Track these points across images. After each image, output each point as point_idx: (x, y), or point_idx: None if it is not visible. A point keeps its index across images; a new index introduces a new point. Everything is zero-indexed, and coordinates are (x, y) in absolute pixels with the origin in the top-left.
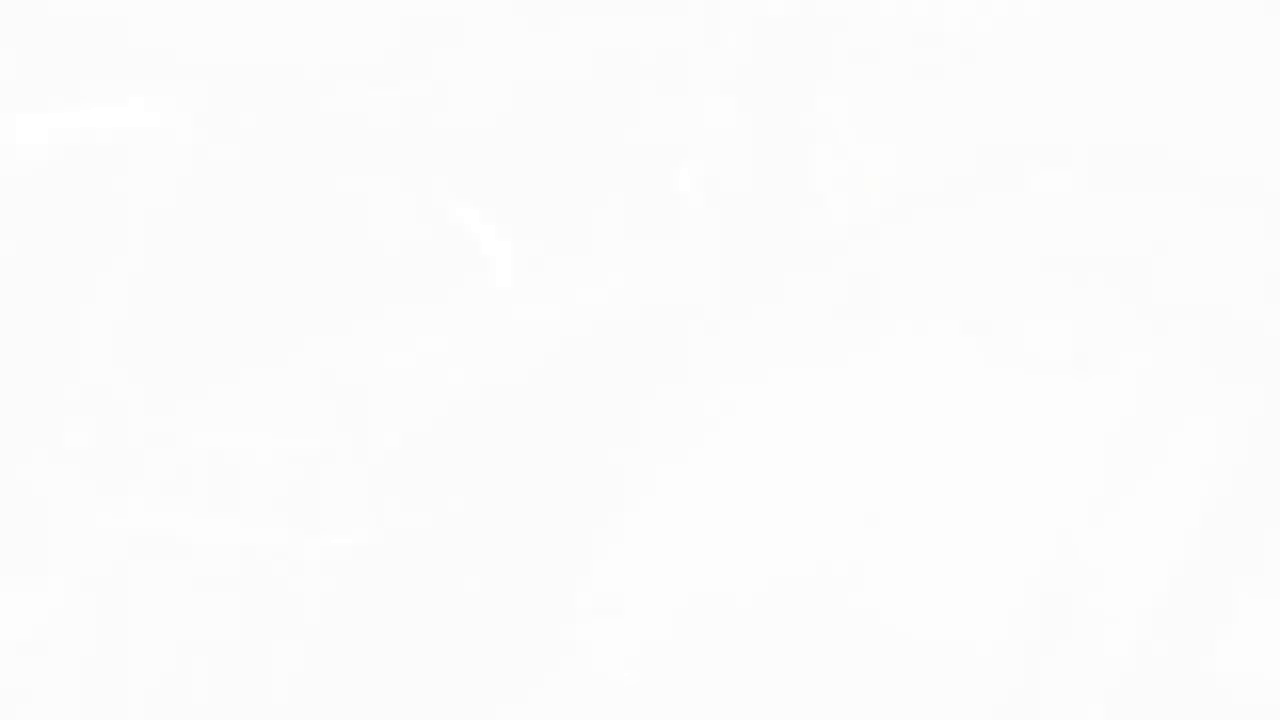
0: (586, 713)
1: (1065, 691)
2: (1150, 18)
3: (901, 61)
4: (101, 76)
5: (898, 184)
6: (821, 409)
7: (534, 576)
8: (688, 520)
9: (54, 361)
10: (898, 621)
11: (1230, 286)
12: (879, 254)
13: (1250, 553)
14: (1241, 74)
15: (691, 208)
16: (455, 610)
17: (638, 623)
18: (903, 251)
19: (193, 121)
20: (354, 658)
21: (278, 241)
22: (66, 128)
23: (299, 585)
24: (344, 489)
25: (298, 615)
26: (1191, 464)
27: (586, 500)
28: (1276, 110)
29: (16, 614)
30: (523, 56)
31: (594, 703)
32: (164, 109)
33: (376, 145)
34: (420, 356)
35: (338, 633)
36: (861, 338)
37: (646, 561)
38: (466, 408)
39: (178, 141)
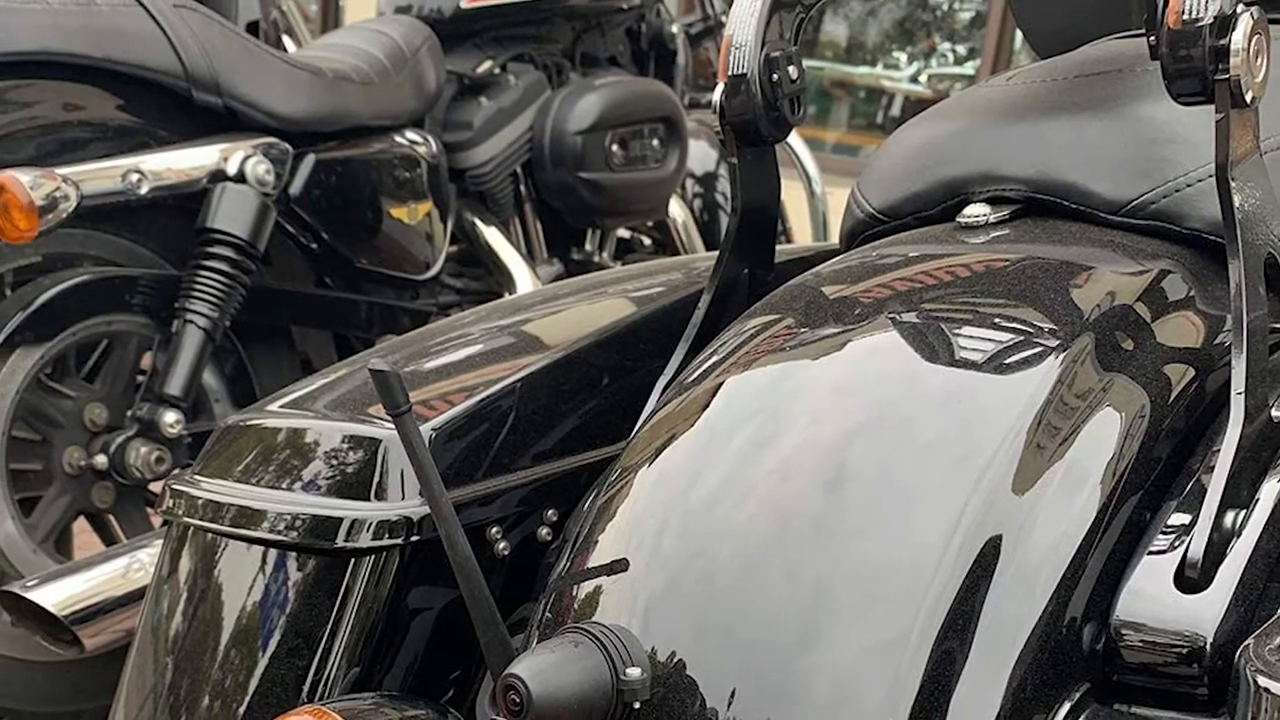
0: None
1: (993, 620)
2: None
3: None
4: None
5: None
6: (788, 383)
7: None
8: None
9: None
10: (846, 565)
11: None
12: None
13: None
14: None
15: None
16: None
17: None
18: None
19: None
20: (408, 622)
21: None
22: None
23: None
24: (401, 462)
25: (357, 581)
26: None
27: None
28: None
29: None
30: None
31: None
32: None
33: None
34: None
35: (396, 599)
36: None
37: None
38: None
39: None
